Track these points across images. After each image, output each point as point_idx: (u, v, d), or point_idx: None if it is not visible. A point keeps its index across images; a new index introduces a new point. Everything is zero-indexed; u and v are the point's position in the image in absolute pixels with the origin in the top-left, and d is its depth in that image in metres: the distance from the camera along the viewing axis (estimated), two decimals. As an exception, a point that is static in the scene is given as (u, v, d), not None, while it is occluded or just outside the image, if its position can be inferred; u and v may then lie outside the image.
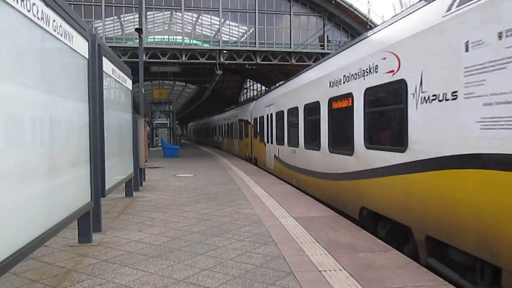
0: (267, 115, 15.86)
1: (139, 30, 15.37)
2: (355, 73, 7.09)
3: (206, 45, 32.34)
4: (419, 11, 5.56)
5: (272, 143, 15.08)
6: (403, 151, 5.45)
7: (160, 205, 8.49)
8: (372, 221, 6.67)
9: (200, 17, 32.66)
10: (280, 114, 13.49)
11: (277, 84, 16.74)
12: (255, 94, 52.30)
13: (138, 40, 17.30)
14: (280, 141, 13.60)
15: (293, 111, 11.55)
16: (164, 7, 31.54)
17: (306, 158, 10.32)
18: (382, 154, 6.10)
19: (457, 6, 4.46)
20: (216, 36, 32.60)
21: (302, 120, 10.60)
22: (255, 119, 19.14)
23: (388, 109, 6.41)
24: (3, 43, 3.07)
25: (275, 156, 14.39)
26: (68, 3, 4.69)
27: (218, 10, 31.93)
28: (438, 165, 4.72)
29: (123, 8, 30.98)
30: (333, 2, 31.85)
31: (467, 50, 4.20)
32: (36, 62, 3.78)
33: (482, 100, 3.99)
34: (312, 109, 9.70)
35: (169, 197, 9.54)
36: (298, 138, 11.02)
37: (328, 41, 32.72)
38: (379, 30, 6.94)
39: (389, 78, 5.84)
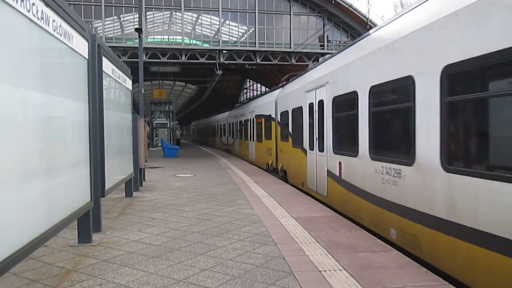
0: (310, 105, 10.08)
1: (139, 30, 15.38)
2: None
3: (206, 45, 32.34)
4: None
5: (322, 150, 9.15)
6: None
7: (160, 205, 8.49)
8: None
9: (200, 17, 32.66)
10: (345, 100, 7.77)
11: (332, 54, 10.70)
12: (255, 94, 52.23)
13: (138, 40, 17.31)
14: (345, 148, 7.84)
15: (395, 88, 5.92)
16: (164, 7, 31.55)
17: (453, 194, 4.37)
18: None
19: None
20: (216, 36, 32.60)
21: (437, 105, 4.60)
22: (284, 113, 13.25)
23: None
24: (3, 43, 3.07)
25: (329, 173, 8.62)
26: (68, 3, 4.69)
27: (218, 10, 31.93)
28: None
29: (123, 8, 30.98)
30: (333, 2, 31.87)
31: None
32: (35, 62, 3.78)
33: None
34: (482, 74, 4.16)
35: (169, 197, 9.53)
36: (410, 145, 5.25)
37: (328, 41, 32.73)
38: None
39: None
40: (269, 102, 16.54)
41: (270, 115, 16.07)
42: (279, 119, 14.38)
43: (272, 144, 15.65)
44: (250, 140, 20.89)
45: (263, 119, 17.54)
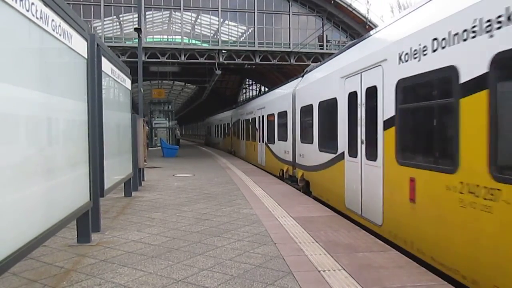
0: None
1: (138, 30, 15.34)
2: None
3: (205, 45, 32.29)
4: None
5: None
6: None
7: (159, 205, 8.48)
8: None
9: (199, 17, 32.62)
10: None
11: None
12: (254, 94, 52.21)
13: (137, 40, 17.28)
14: None
15: None
16: (163, 7, 31.49)
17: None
18: None
19: None
20: (215, 36, 32.56)
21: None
22: None
23: None
24: (2, 42, 3.07)
25: None
26: (67, 3, 4.69)
27: (217, 10, 31.89)
28: None
29: (122, 7, 30.92)
30: (332, 2, 31.83)
31: None
32: (34, 62, 3.78)
33: None
34: None
35: (168, 197, 9.53)
36: None
37: (327, 41, 32.73)
38: None
39: None
40: None
41: None
42: None
43: None
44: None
45: None
